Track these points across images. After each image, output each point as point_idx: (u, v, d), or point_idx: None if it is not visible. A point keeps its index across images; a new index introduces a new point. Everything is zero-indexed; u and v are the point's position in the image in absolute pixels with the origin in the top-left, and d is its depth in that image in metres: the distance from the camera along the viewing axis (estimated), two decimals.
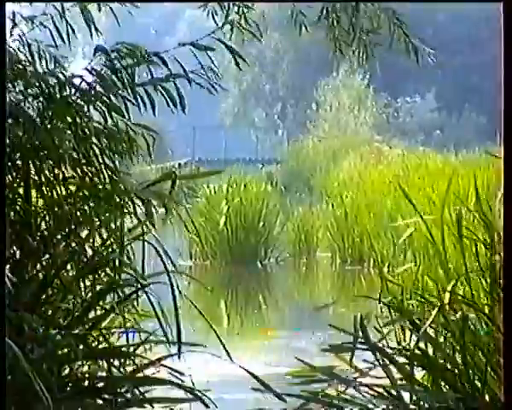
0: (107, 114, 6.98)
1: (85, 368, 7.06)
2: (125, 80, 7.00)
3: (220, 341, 7.02)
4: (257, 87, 46.95)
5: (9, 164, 6.80)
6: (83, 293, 7.08)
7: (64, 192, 6.99)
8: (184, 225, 7.62)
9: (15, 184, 6.88)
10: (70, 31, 7.16)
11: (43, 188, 6.93)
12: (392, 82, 33.91)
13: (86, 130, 6.92)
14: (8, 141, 6.66)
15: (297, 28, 8.04)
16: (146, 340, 7.09)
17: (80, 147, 6.91)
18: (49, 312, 6.93)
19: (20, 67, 6.87)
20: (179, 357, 6.91)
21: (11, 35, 6.87)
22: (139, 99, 7.00)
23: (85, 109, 6.94)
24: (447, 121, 39.55)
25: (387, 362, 6.96)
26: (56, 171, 6.92)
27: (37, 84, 6.84)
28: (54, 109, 6.88)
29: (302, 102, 34.46)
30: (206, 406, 6.94)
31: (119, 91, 6.99)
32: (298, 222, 24.00)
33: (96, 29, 7.05)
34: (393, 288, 7.42)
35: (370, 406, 6.87)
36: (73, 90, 6.93)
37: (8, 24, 6.83)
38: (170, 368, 6.96)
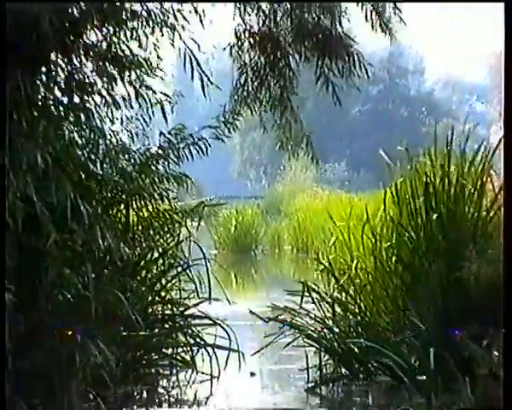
0: (167, 168, 6.96)
1: (159, 308, 7.04)
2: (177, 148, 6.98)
3: (227, 298, 7.06)
4: (252, 157, 46.73)
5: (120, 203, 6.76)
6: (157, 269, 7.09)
7: (146, 214, 6.96)
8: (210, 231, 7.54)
9: (121, 211, 6.84)
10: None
11: (136, 211, 6.91)
12: (323, 155, 33.93)
13: (157, 178, 6.89)
14: (119, 188, 6.64)
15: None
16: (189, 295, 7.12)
17: (155, 188, 6.88)
18: (141, 277, 6.91)
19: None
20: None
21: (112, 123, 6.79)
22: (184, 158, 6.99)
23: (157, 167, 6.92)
24: (352, 177, 39.56)
25: (320, 300, 6.97)
26: (142, 202, 6.88)
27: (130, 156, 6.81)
28: (142, 170, 6.83)
29: (275, 166, 34.58)
30: (224, 330, 6.93)
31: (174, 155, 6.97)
32: (273, 230, 23.96)
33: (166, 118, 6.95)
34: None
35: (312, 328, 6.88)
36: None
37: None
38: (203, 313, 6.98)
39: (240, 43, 7.22)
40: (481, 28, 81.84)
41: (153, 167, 6.82)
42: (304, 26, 7.01)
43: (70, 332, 5.56)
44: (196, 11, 6.47)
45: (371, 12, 6.96)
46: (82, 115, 6.34)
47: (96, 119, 6.47)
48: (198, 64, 6.42)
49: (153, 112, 6.75)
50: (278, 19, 7.12)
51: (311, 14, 6.99)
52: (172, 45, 6.49)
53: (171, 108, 6.89)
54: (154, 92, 6.65)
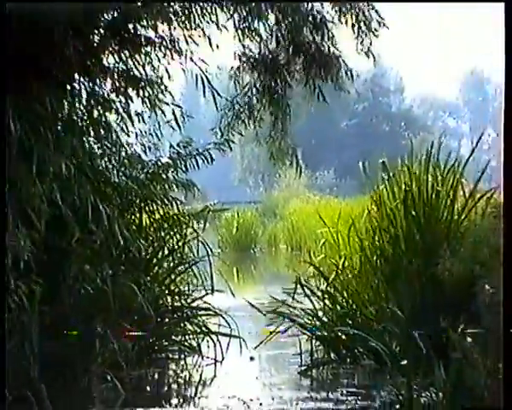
0: (176, 176, 6.95)
1: (169, 300, 7.03)
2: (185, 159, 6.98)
3: (231, 291, 7.07)
4: (251, 166, 46.63)
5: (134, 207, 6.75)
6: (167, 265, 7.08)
7: (157, 216, 6.96)
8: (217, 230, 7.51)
9: (135, 216, 6.84)
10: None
11: (148, 215, 6.90)
12: (313, 164, 33.81)
13: (167, 185, 6.88)
14: (133, 194, 6.64)
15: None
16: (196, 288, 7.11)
17: (165, 194, 6.88)
18: (152, 273, 6.91)
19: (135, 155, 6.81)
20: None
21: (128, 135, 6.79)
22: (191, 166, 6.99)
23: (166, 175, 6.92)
24: (340, 184, 39.49)
25: (310, 294, 6.97)
26: (154, 206, 6.88)
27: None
28: (153, 178, 6.83)
29: (272, 174, 34.55)
30: (226, 320, 6.93)
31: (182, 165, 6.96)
32: (270, 231, 23.88)
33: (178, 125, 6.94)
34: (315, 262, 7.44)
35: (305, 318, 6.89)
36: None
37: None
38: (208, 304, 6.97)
39: (240, 65, 7.23)
40: (454, 50, 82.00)
41: (163, 176, 6.83)
42: (298, 45, 7.01)
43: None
44: (205, 34, 6.50)
45: (358, 32, 6.95)
46: (101, 129, 6.36)
47: (114, 132, 6.50)
48: (208, 81, 6.45)
49: (168, 122, 6.77)
50: (274, 42, 7.12)
51: (304, 36, 6.99)
52: (184, 71, 6.51)
53: (181, 121, 6.92)
54: (167, 104, 6.67)
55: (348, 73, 7.04)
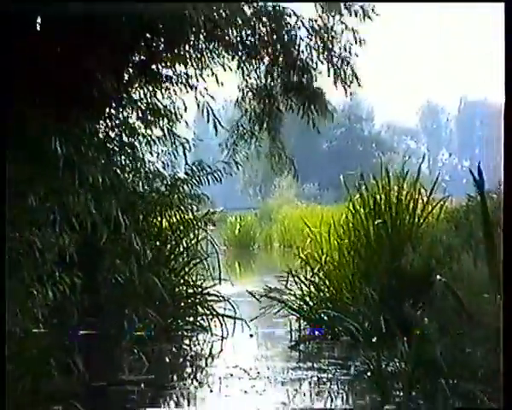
0: (191, 188, 6.95)
1: (184, 288, 7.02)
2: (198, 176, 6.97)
3: (231, 282, 7.09)
4: (251, 179, 46.52)
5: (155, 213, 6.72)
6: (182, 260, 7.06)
7: (174, 219, 6.96)
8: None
9: (156, 220, 6.83)
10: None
11: (168, 219, 6.90)
12: (301, 177, 33.75)
13: (181, 195, 6.89)
14: (154, 202, 6.65)
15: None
16: (206, 278, 7.09)
17: (181, 202, 6.88)
18: (170, 266, 6.90)
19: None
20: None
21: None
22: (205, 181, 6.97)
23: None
24: (323, 194, 39.40)
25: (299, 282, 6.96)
26: (171, 212, 6.87)
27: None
28: (171, 189, 6.82)
29: (268, 185, 34.38)
30: (232, 305, 6.93)
31: (196, 180, 6.95)
32: (266, 232, 23.80)
33: (185, 155, 6.93)
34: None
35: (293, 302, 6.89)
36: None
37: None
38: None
39: (242, 95, 7.24)
40: (414, 85, 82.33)
41: (180, 188, 6.83)
42: (290, 81, 7.02)
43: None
44: (213, 73, 6.54)
45: (337, 72, 6.96)
46: (129, 149, 6.39)
47: (139, 152, 6.53)
48: (213, 113, 6.49)
49: (182, 145, 6.78)
50: (270, 77, 7.13)
51: (295, 74, 6.99)
52: (198, 106, 6.56)
53: (192, 144, 6.95)
54: (178, 137, 6.71)
55: (330, 108, 7.08)
